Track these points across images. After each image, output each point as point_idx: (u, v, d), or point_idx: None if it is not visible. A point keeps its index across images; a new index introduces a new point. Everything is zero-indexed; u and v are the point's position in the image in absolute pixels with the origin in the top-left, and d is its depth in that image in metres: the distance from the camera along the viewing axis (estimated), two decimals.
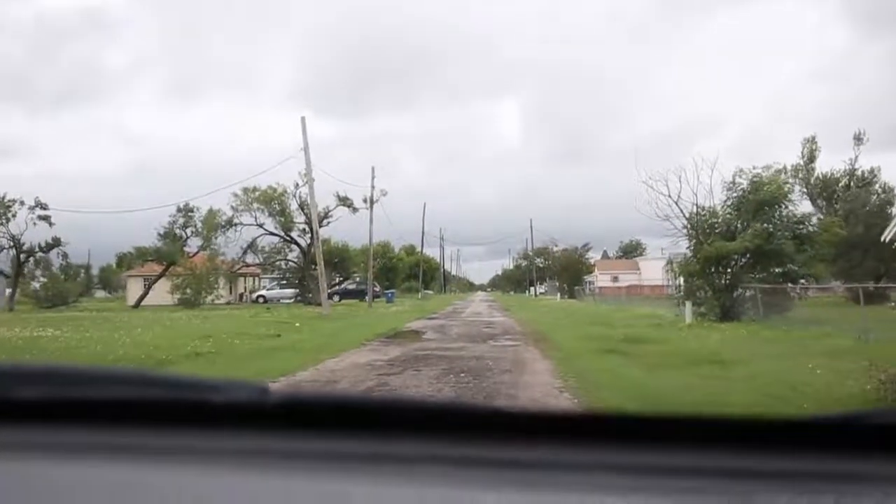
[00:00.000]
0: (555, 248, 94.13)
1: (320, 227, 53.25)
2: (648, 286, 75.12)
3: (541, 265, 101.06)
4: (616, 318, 30.94)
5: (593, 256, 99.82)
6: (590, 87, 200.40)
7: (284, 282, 63.74)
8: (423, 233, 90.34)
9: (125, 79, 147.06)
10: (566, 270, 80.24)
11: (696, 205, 24.68)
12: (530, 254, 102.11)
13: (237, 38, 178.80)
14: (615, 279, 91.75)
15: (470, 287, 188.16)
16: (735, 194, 24.62)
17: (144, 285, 56.38)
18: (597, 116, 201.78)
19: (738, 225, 24.57)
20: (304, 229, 53.44)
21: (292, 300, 60.32)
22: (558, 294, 72.20)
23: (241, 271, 64.54)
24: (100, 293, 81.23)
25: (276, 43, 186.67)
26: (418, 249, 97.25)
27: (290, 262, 56.11)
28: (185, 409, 1.13)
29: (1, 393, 1.14)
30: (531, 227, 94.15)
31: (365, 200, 52.88)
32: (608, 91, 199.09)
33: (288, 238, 52.50)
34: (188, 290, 50.00)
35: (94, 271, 71.27)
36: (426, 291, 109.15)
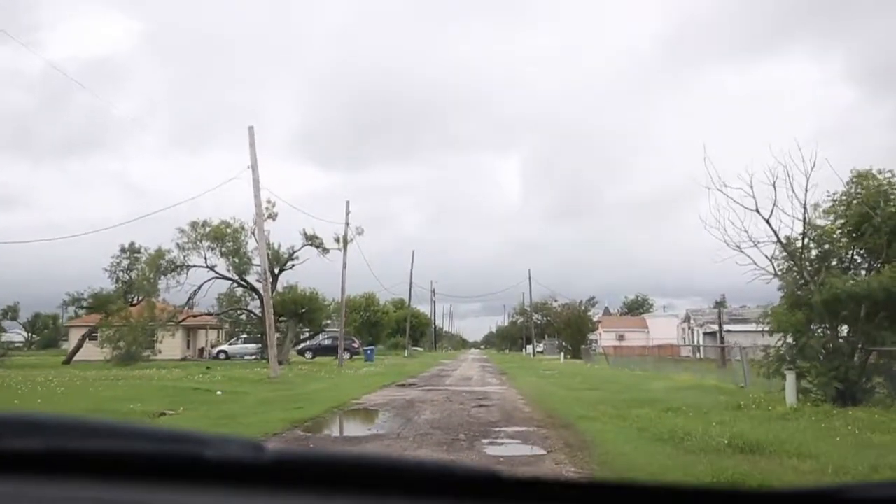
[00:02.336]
0: (555, 304, 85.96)
1: (283, 269, 45.18)
2: (658, 346, 67.06)
3: (539, 321, 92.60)
4: (655, 389, 22.61)
5: (596, 313, 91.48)
6: (590, 143, 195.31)
7: (246, 335, 55.27)
8: (410, 283, 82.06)
9: (127, 128, 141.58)
10: (569, 327, 71.82)
11: (806, 221, 16.38)
12: (528, 308, 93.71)
13: (238, 89, 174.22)
14: (621, 337, 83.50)
15: (463, 344, 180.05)
16: (849, 210, 16.40)
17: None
18: (597, 172, 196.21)
19: (857, 256, 16.42)
20: (263, 272, 45.07)
21: (255, 356, 51.97)
22: (561, 354, 63.68)
23: (201, 323, 56.25)
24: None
25: (277, 94, 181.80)
26: (414, 303, 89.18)
27: (250, 313, 47.64)
28: (177, 464, 1.12)
29: None
30: (529, 278, 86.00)
31: (338, 240, 44.70)
32: (609, 147, 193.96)
33: (243, 283, 44.09)
34: (121, 344, 41.49)
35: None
36: (415, 348, 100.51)
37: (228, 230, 42.79)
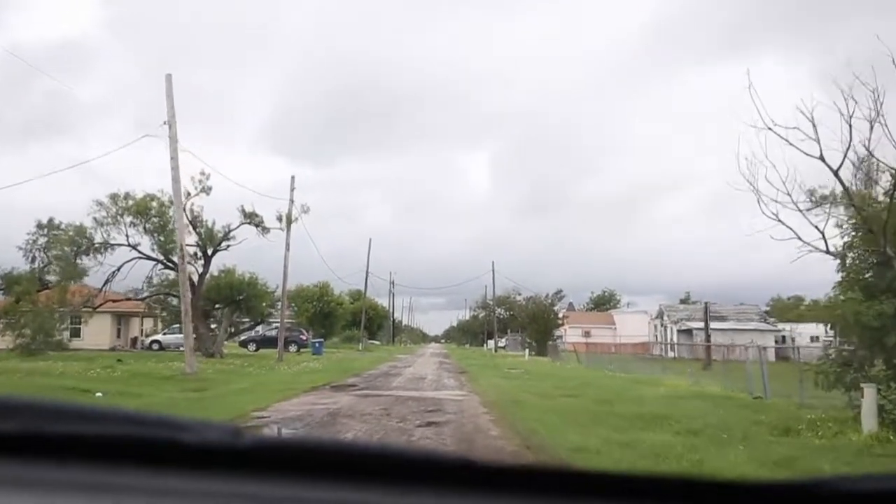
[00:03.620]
0: (518, 297, 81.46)
1: (217, 250, 39.92)
2: (640, 343, 63.04)
3: (501, 316, 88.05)
4: (650, 398, 18.10)
5: (562, 308, 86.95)
6: (560, 140, 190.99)
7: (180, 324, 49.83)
8: (367, 272, 77.27)
9: (94, 113, 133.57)
10: (534, 322, 67.27)
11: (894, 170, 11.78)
12: (490, 302, 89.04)
13: (211, 78, 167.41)
14: (587, 334, 79.50)
15: (423, 338, 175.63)
16: None
17: None
18: (565, 169, 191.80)
19: None
20: (195, 253, 39.76)
21: (182, 347, 46.75)
22: (526, 350, 59.12)
23: (133, 310, 50.73)
24: None
25: (246, 83, 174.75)
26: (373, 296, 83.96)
27: (177, 298, 42.26)
28: (156, 448, 1.12)
29: None
30: (493, 270, 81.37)
31: (280, 219, 39.55)
32: (578, 144, 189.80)
33: (169, 264, 38.69)
34: (26, 332, 35.95)
35: None
36: (371, 342, 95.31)
37: (154, 204, 37.39)
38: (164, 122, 26.31)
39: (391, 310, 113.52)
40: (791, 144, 12.29)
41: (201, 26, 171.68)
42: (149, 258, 38.07)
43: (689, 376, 24.90)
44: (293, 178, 40.37)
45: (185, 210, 38.66)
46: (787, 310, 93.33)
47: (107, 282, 38.08)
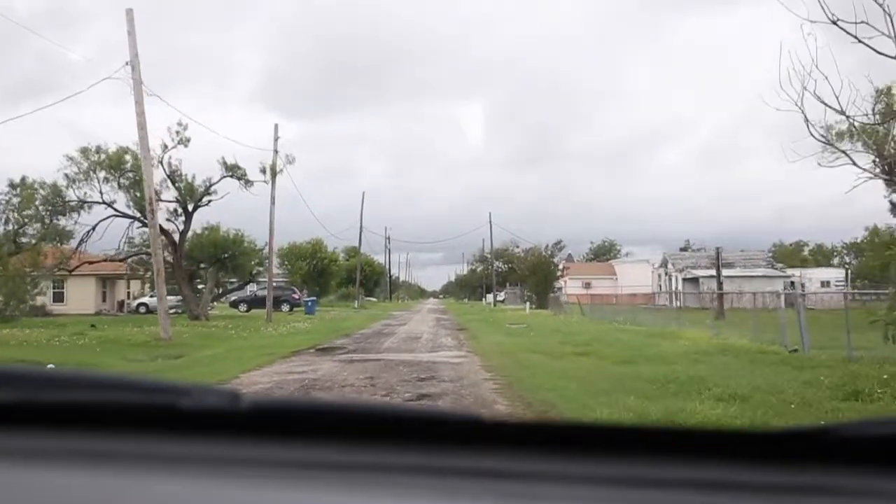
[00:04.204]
0: (517, 249, 79.25)
1: (199, 205, 37.62)
2: (632, 294, 61.03)
3: (500, 269, 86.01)
4: (672, 355, 16.07)
5: (562, 259, 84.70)
6: (556, 90, 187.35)
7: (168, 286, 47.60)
8: (360, 227, 74.93)
9: (84, 73, 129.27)
10: (534, 274, 65.26)
11: None
12: (488, 255, 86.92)
13: (202, 33, 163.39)
14: (587, 285, 77.42)
15: (421, 294, 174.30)
16: None
17: None
18: (562, 119, 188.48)
19: None
20: (175, 210, 37.44)
21: (175, 310, 44.60)
22: (526, 304, 57.13)
23: (119, 272, 48.40)
24: None
25: (240, 41, 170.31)
26: (373, 254, 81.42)
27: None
28: (154, 414, 1.11)
29: None
30: (490, 222, 79.13)
31: (264, 171, 37.16)
32: (574, 93, 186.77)
33: (146, 221, 36.34)
34: None
35: None
36: (368, 299, 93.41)
37: (128, 157, 34.91)
38: (127, 63, 23.84)
39: (387, 266, 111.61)
40: (860, 41, 9.92)
41: None
42: (125, 216, 35.83)
43: (709, 328, 22.84)
44: (276, 126, 37.82)
45: (162, 163, 36.43)
46: (790, 255, 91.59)
47: (81, 242, 35.77)
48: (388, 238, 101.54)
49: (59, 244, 37.19)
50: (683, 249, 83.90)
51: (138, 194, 35.86)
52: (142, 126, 24.01)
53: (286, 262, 76.99)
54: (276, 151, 37.30)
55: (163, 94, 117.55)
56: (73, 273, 39.04)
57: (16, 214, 38.21)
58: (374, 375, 12.90)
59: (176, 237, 37.82)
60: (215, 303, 51.85)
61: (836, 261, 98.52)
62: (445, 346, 20.21)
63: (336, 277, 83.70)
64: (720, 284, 38.51)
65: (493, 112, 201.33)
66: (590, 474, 0.99)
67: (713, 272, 57.23)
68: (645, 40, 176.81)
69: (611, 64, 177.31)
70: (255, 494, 0.97)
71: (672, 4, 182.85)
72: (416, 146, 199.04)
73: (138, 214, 36.18)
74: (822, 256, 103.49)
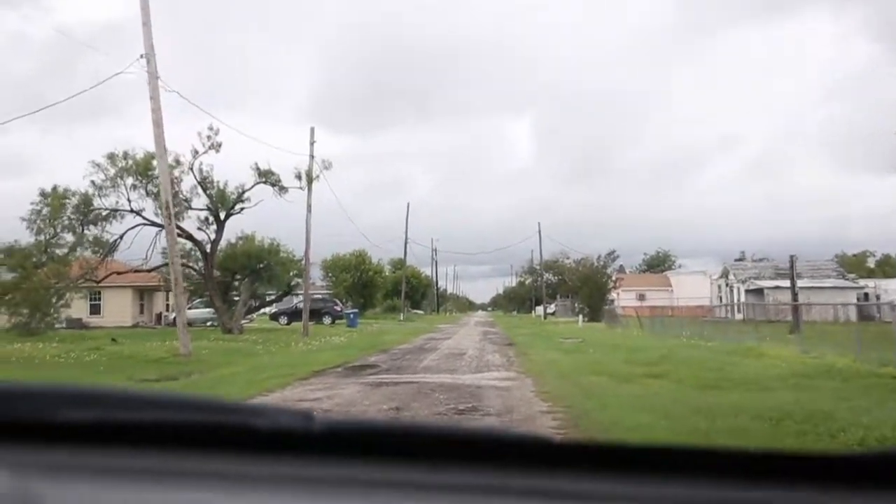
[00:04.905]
0: (567, 260, 76.16)
1: (231, 213, 35.67)
2: (688, 306, 57.63)
3: (550, 281, 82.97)
4: (766, 378, 13.26)
5: (614, 270, 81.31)
6: (603, 104, 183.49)
7: (202, 298, 45.94)
8: (406, 238, 72.68)
9: (139, 93, 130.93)
10: (586, 285, 62.22)
11: None
12: (537, 267, 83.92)
13: (252, 53, 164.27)
14: (642, 297, 74.12)
15: (469, 306, 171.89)
16: None
17: None
18: (610, 134, 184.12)
19: None
20: (206, 218, 35.53)
21: (211, 322, 42.76)
22: (579, 317, 54.13)
23: (155, 283, 46.82)
24: None
25: (289, 59, 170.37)
26: (420, 267, 79.19)
27: (188, 268, 38.15)
28: (230, 434, 1.13)
29: (47, 414, 1.14)
30: (539, 232, 76.26)
31: (299, 177, 35.04)
32: (622, 109, 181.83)
33: (177, 230, 34.42)
34: (22, 310, 32.20)
35: None
36: (415, 311, 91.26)
37: (156, 163, 33.03)
38: (142, 56, 21.85)
39: (434, 277, 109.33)
40: None
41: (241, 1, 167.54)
42: (153, 224, 33.82)
43: (794, 343, 19.89)
44: (312, 129, 35.61)
45: (193, 170, 34.56)
46: (855, 266, 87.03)
47: (108, 252, 33.92)
48: (435, 250, 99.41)
49: (98, 254, 35.45)
50: (739, 260, 80.00)
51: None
52: (157, 123, 21.94)
53: (330, 274, 75.20)
54: (312, 156, 35.14)
55: (214, 111, 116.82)
56: (101, 284, 37.35)
57: (46, 224, 36.66)
58: (403, 405, 10.37)
59: (208, 247, 35.92)
60: (255, 315, 50.02)
61: None
62: (492, 366, 17.60)
63: (381, 290, 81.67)
64: (795, 295, 35.11)
65: (541, 126, 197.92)
66: (654, 495, 0.99)
67: (778, 283, 53.66)
68: (691, 55, 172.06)
69: (657, 78, 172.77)
70: None
71: (716, 20, 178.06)
72: (463, 160, 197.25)
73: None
74: (889, 267, 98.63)
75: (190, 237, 35.06)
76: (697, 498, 0.98)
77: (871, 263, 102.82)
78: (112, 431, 1.12)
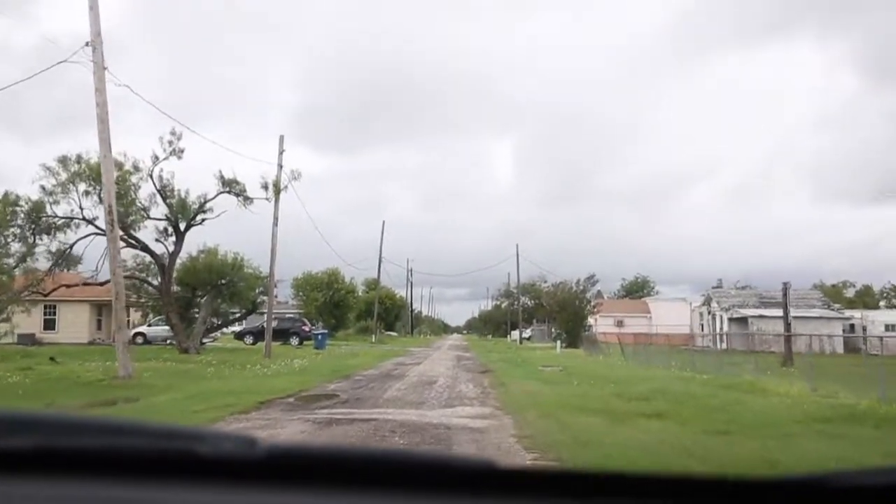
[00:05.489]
0: (545, 284, 74.44)
1: (192, 224, 33.46)
2: (668, 334, 55.95)
3: (527, 304, 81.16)
4: (782, 421, 11.39)
5: (593, 295, 79.51)
6: (586, 128, 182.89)
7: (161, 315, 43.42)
8: (380, 258, 70.70)
9: (119, 105, 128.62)
10: (564, 310, 60.41)
11: None
12: (514, 290, 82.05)
13: (234, 68, 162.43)
14: (620, 323, 72.60)
15: (444, 329, 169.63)
16: None
17: None
18: (591, 158, 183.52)
19: None
20: (165, 229, 33.30)
21: (168, 340, 40.31)
22: (557, 342, 52.27)
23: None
24: None
25: (271, 76, 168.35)
26: (395, 288, 76.86)
27: (145, 283, 35.76)
28: (171, 461, 1.09)
29: None
30: (517, 255, 74.50)
31: (266, 187, 32.96)
32: (604, 133, 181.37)
33: (131, 241, 32.16)
34: None
35: None
36: (389, 333, 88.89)
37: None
38: (87, 44, 19.82)
39: (409, 299, 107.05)
40: None
41: (227, 17, 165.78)
42: (103, 233, 31.49)
43: (798, 379, 18.08)
44: (281, 138, 33.63)
45: (152, 177, 32.37)
46: (834, 296, 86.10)
47: (55, 264, 31.57)
48: (410, 270, 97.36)
49: (60, 265, 33.04)
50: (717, 287, 78.81)
51: (121, 209, 31.86)
52: (102, 119, 19.88)
53: (300, 293, 72.73)
54: (280, 166, 33.10)
55: (197, 127, 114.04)
56: (51, 297, 35.14)
57: None
58: None
59: (166, 260, 33.66)
60: (219, 333, 47.58)
61: (882, 303, 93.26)
62: (465, 398, 15.57)
63: (354, 310, 79.13)
64: (787, 326, 33.49)
65: (522, 148, 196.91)
66: None
67: (762, 311, 52.14)
68: (675, 80, 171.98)
69: (640, 103, 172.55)
70: None
71: (701, 46, 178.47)
72: (443, 181, 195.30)
73: (121, 233, 32.02)
74: (868, 297, 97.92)
75: (145, 248, 32.82)
76: None
77: (849, 294, 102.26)
78: (50, 459, 1.06)
